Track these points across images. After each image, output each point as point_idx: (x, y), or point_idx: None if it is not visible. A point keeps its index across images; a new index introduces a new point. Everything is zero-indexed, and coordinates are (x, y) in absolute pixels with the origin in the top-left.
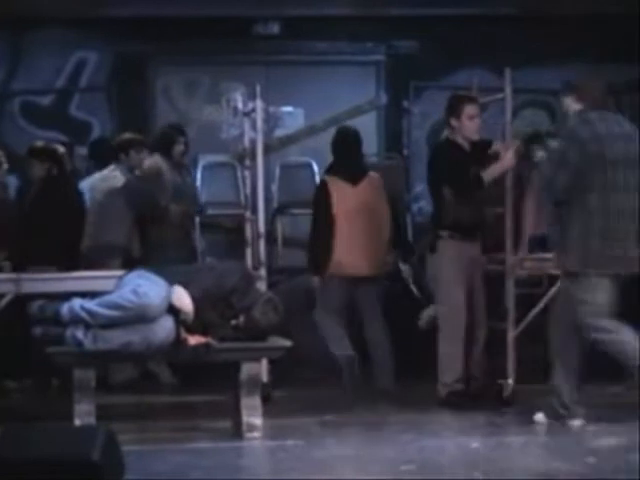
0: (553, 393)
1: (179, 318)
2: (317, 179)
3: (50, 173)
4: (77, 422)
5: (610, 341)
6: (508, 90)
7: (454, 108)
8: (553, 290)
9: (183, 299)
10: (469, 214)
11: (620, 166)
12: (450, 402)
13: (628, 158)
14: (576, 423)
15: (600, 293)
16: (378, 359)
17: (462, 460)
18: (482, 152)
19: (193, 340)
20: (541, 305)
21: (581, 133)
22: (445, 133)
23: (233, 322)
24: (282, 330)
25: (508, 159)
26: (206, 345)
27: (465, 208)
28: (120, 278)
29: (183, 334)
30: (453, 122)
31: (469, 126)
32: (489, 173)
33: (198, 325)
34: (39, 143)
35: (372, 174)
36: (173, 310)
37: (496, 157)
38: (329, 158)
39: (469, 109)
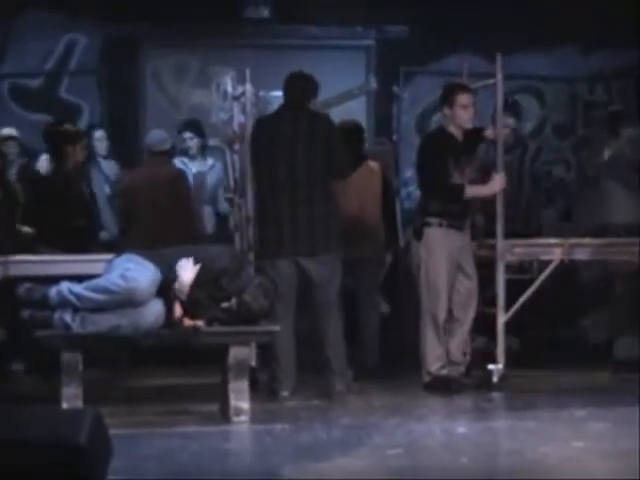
0: None
1: (172, 293)
2: None
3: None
4: (64, 405)
5: None
6: (499, 76)
7: (447, 97)
8: (543, 276)
9: (186, 269)
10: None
11: (285, 162)
12: (435, 388)
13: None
14: None
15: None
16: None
17: (449, 445)
18: (475, 139)
19: (188, 321)
20: (531, 291)
21: (259, 128)
22: (437, 120)
23: (225, 305)
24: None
25: (498, 183)
26: (194, 328)
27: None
28: (109, 262)
29: (179, 314)
30: (446, 111)
31: (462, 115)
32: (474, 191)
33: (188, 306)
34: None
35: (371, 163)
36: (164, 292)
37: (487, 140)
38: None
39: (462, 98)
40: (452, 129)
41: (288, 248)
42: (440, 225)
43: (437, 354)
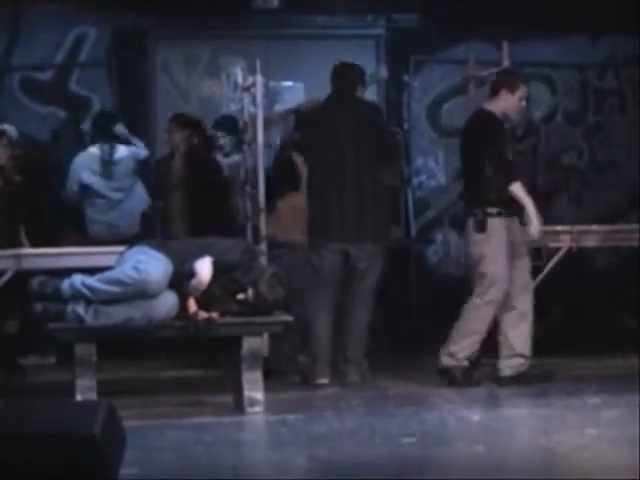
0: None
1: (186, 290)
2: None
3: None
4: (78, 397)
5: None
6: (506, 63)
7: (511, 83)
8: (552, 263)
9: (204, 269)
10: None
11: (335, 149)
12: (450, 376)
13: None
14: None
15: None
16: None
17: (463, 433)
18: None
19: (203, 314)
20: (539, 278)
21: (309, 116)
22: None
23: (240, 296)
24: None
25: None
26: (209, 320)
27: (503, 183)
28: (121, 254)
29: (194, 308)
30: (505, 94)
31: (518, 106)
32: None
33: (203, 301)
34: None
35: None
36: (176, 284)
37: None
38: None
39: (522, 90)
40: (498, 114)
41: (336, 234)
42: (500, 214)
43: (472, 346)
